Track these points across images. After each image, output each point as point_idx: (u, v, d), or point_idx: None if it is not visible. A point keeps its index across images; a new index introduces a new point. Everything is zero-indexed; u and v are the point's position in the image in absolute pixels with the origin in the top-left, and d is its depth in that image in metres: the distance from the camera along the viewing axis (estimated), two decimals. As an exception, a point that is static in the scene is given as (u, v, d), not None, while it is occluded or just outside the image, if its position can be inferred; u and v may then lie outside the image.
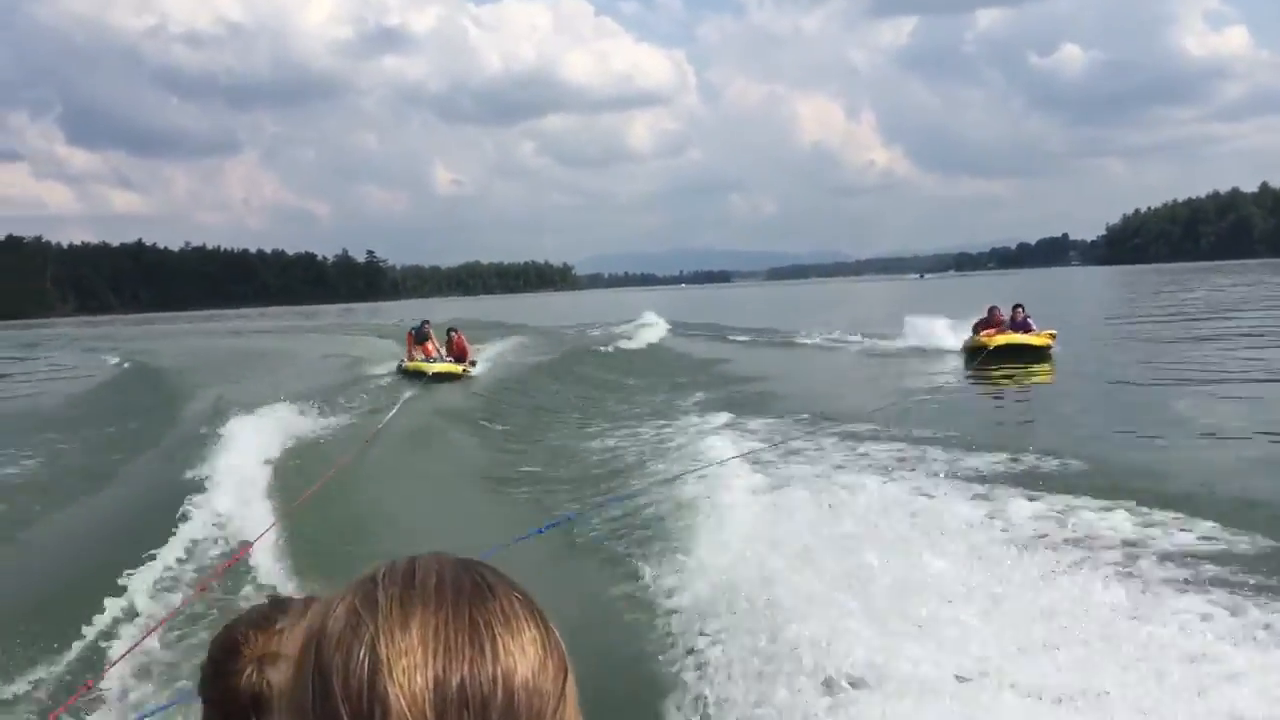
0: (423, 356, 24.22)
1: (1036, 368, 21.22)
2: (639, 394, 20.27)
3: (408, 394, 19.35)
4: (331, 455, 12.19)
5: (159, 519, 9.26)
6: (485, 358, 26.71)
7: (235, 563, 7.44)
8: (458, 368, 23.84)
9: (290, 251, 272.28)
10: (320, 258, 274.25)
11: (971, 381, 19.98)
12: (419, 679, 0.67)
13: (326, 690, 0.68)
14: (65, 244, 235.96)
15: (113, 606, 7.18)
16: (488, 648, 0.69)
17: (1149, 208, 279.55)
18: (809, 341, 32.73)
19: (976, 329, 23.71)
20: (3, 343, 72.66)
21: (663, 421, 15.50)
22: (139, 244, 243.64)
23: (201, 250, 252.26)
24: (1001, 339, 22.20)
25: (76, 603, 7.34)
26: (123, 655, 5.84)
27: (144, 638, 5.99)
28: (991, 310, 23.68)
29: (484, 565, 0.75)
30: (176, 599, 7.25)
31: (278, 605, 1.47)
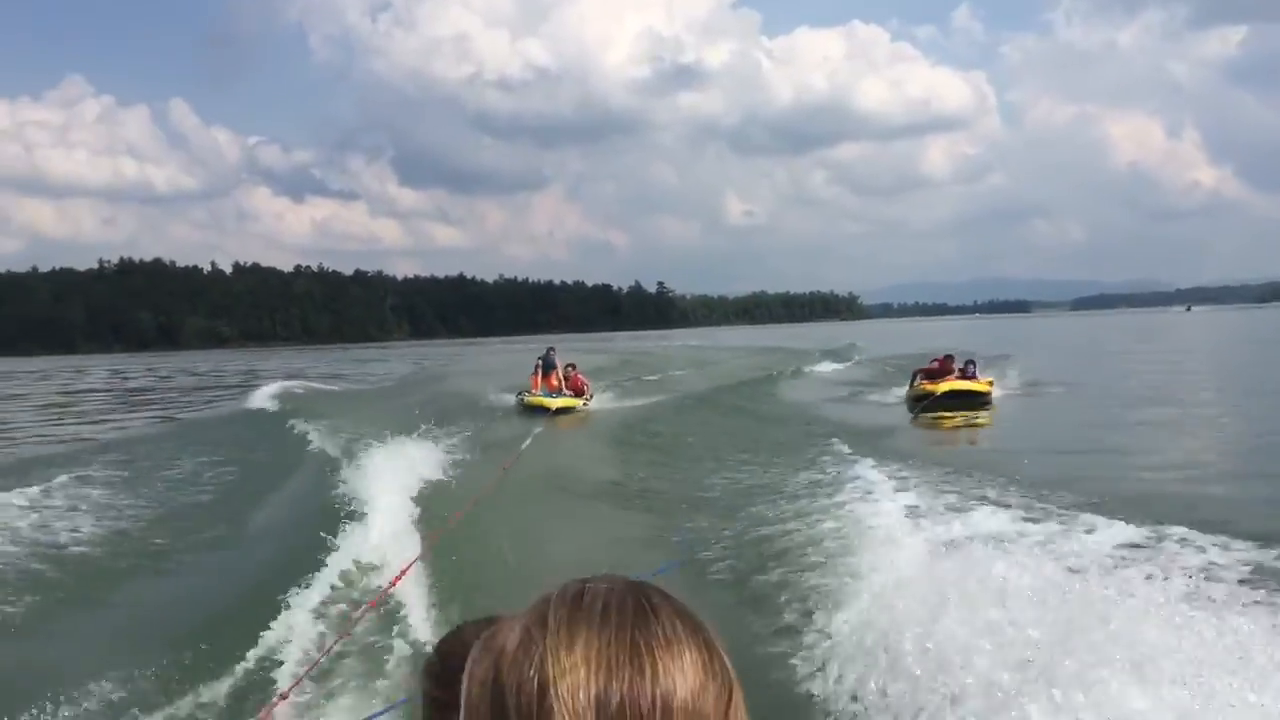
0: (545, 391, 25.44)
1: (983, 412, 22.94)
2: (771, 432, 20.39)
3: (538, 428, 20.38)
4: (470, 483, 12.35)
5: (313, 544, 9.50)
6: (601, 394, 28.00)
7: (391, 589, 7.51)
8: (577, 401, 25.34)
9: (589, 282, 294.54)
10: (615, 288, 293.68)
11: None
12: (581, 697, 0.70)
13: (501, 705, 0.73)
14: (399, 276, 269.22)
15: (277, 631, 7.59)
16: (647, 669, 0.71)
17: None
18: None
19: (915, 377, 25.38)
20: (314, 360, 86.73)
21: (794, 460, 15.34)
22: (460, 277, 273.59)
23: (513, 282, 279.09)
24: (947, 385, 23.42)
25: (238, 628, 7.70)
26: (300, 679, 6.16)
27: (316, 662, 6.41)
28: (945, 359, 25.18)
29: (653, 588, 0.78)
30: (334, 623, 7.70)
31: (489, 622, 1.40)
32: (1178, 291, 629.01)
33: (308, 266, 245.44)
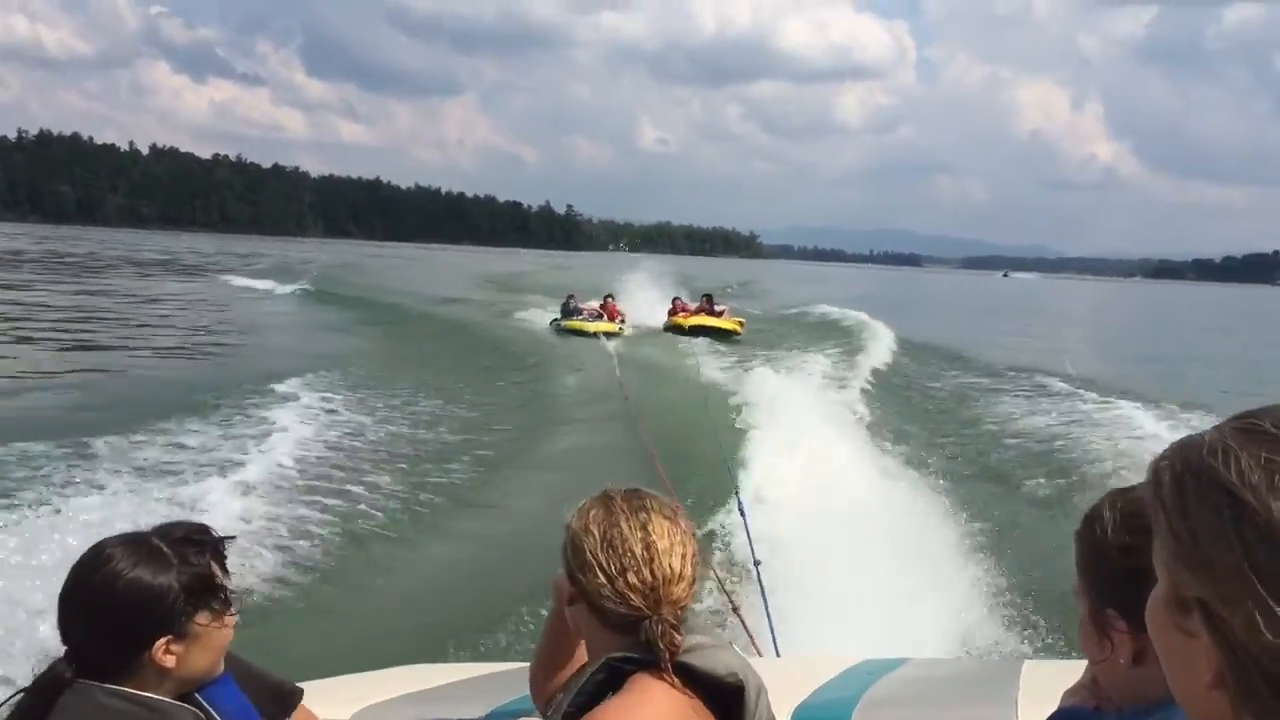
0: (581, 316, 27.32)
1: (728, 343, 25.64)
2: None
3: (610, 349, 22.38)
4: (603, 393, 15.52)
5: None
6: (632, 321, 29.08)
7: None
8: (614, 326, 26.95)
9: (496, 194, 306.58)
10: (525, 206, 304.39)
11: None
12: None
13: (1261, 531, 0.69)
14: (312, 173, 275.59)
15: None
16: None
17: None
18: None
19: (669, 315, 28.59)
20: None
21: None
22: (376, 180, 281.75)
23: (426, 191, 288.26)
24: (695, 320, 26.81)
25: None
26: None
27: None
28: (675, 300, 29.40)
29: None
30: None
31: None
32: (1060, 259, 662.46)
33: (226, 155, 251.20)
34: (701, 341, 25.09)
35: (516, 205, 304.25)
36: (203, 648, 1.74)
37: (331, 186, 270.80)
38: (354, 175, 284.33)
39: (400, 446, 12.08)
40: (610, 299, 29.47)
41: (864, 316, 30.34)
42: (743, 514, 5.53)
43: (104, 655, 1.70)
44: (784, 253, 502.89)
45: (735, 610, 4.45)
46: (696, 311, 27.78)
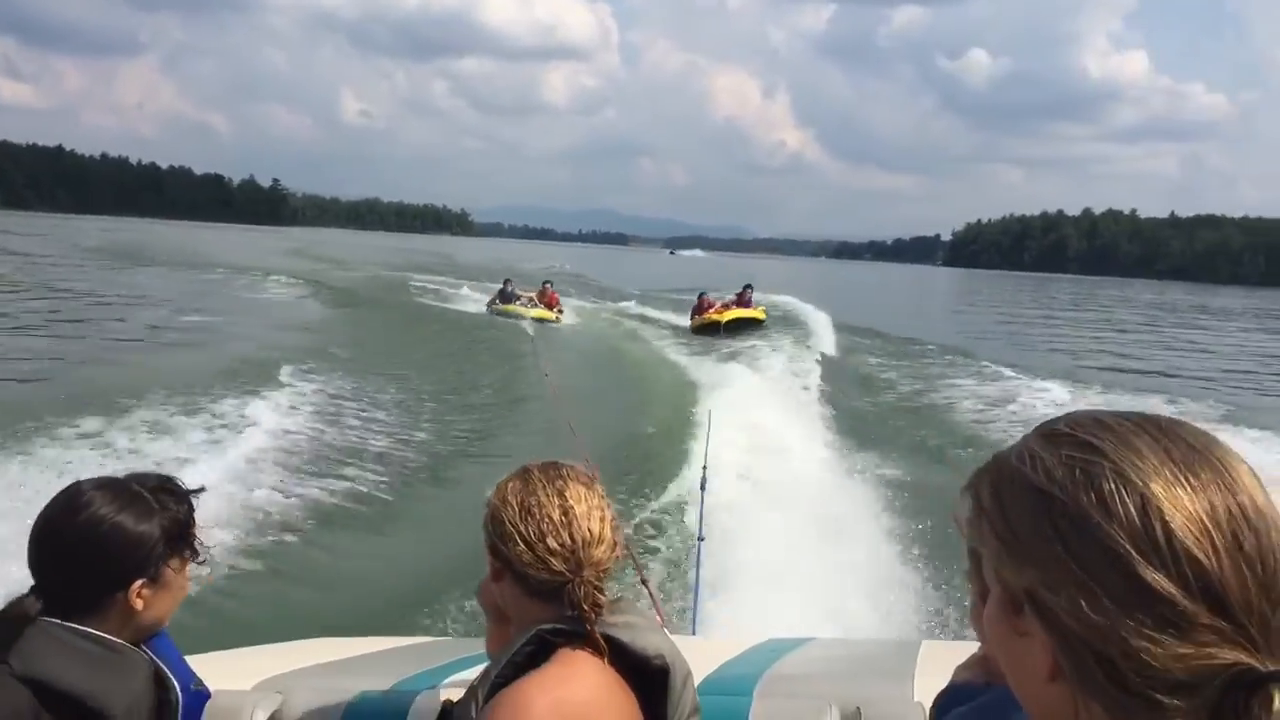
0: (520, 302, 27.53)
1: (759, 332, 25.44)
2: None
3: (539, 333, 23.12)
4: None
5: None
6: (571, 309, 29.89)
7: None
8: (551, 313, 27.31)
9: (193, 167, 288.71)
10: (228, 180, 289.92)
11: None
12: (1188, 505, 0.73)
13: (1072, 520, 0.75)
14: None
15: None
16: (1229, 478, 0.75)
17: (988, 219, 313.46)
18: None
19: (694, 313, 27.46)
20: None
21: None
22: (59, 148, 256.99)
23: (115, 161, 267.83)
24: (733, 314, 26.10)
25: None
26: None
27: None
28: (701, 297, 28.18)
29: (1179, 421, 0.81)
30: None
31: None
32: (754, 240, 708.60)
33: None
34: (649, 329, 27.34)
35: (218, 178, 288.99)
36: (169, 594, 1.77)
37: (3, 152, 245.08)
38: (22, 140, 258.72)
39: (341, 429, 12.05)
40: (548, 285, 29.90)
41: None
42: (703, 488, 5.44)
43: (76, 594, 1.69)
44: (495, 230, 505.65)
45: (644, 583, 4.29)
46: (729, 305, 27.17)
